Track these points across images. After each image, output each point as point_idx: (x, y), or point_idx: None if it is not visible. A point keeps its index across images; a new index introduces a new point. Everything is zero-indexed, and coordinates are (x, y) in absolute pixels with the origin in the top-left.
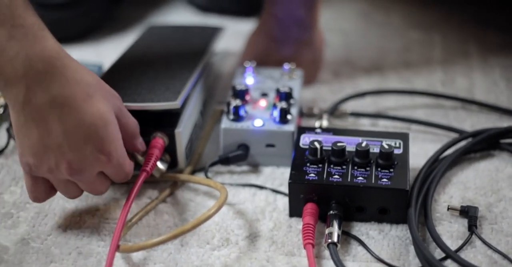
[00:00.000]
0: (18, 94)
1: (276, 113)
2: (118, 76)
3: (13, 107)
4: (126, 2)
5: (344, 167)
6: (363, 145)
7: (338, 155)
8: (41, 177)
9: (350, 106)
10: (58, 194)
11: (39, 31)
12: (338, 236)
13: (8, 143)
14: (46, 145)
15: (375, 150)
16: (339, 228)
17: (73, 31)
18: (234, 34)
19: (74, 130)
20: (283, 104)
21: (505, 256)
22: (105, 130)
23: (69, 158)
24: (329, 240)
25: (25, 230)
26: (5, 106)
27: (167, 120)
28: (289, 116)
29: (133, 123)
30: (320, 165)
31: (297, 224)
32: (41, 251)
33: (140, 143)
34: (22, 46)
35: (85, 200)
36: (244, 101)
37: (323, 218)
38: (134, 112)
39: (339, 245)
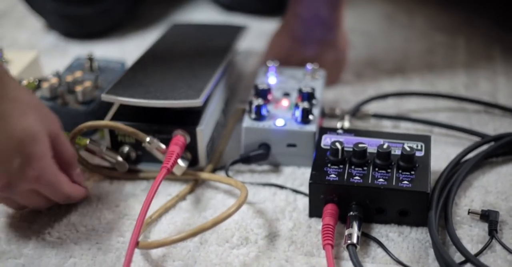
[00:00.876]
0: None
1: (298, 113)
2: (141, 73)
3: None
4: (150, 0)
5: (365, 168)
6: (385, 146)
7: (359, 156)
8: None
9: (372, 107)
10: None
11: None
12: (358, 237)
13: None
14: None
15: (397, 152)
16: (359, 229)
17: (97, 28)
18: (257, 33)
19: (3, 143)
20: (305, 104)
21: None
22: (33, 147)
23: None
24: (349, 241)
25: (45, 224)
26: None
27: (189, 118)
28: (311, 117)
29: (69, 152)
30: (341, 166)
31: (317, 224)
32: (61, 246)
33: (76, 174)
34: None
35: (106, 196)
36: (266, 101)
37: (343, 219)
38: (156, 110)
39: (358, 247)
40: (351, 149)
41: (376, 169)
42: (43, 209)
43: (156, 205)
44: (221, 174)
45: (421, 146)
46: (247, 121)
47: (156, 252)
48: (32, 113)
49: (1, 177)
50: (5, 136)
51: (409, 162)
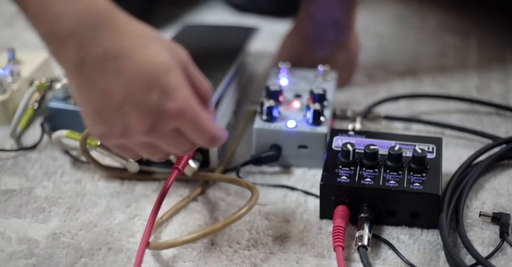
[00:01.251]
0: (71, 55)
1: (309, 115)
2: None
3: (69, 72)
4: (162, 0)
5: (376, 170)
6: (396, 148)
7: (370, 158)
8: (121, 144)
9: (384, 109)
10: (88, 190)
11: None
12: (369, 239)
13: (42, 138)
14: (109, 106)
15: (408, 154)
16: (370, 231)
17: None
18: (269, 34)
19: (133, 82)
20: (317, 106)
21: None
22: (168, 77)
23: (136, 113)
24: (359, 243)
25: (56, 224)
26: (40, 101)
27: None
28: (322, 118)
29: (204, 83)
30: (352, 168)
31: (328, 226)
32: (72, 246)
33: (211, 111)
34: (67, 2)
35: (117, 196)
36: (278, 102)
37: (354, 221)
38: None
39: (369, 249)
40: (362, 151)
41: (387, 171)
42: (186, 153)
43: (167, 205)
44: (232, 175)
45: (433, 148)
46: (259, 123)
47: (166, 253)
48: (156, 44)
49: (143, 118)
50: (132, 74)
51: (420, 164)
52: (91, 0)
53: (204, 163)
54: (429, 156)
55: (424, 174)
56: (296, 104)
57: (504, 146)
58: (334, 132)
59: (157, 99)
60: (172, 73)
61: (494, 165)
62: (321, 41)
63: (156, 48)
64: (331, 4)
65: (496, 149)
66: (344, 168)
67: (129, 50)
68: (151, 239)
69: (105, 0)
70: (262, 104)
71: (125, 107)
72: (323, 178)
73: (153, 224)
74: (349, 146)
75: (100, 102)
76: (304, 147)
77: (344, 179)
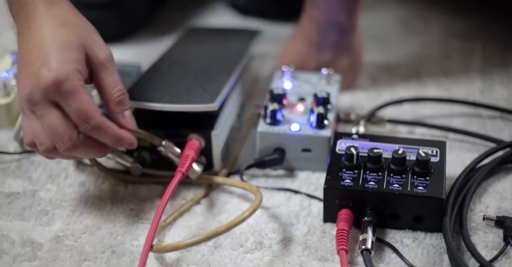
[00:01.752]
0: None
1: (313, 118)
2: (157, 77)
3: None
4: (167, 4)
5: (380, 173)
6: (400, 152)
7: (374, 161)
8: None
9: (388, 113)
10: (91, 193)
11: None
12: (372, 242)
13: None
14: (19, 65)
15: (412, 157)
16: (373, 234)
17: (113, 32)
18: (273, 38)
19: (31, 49)
20: (320, 109)
21: None
22: (53, 51)
23: (24, 76)
24: (363, 247)
25: (60, 227)
26: None
27: (204, 122)
28: (326, 122)
29: (110, 79)
30: (356, 171)
31: (331, 229)
32: (75, 249)
33: (122, 114)
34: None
35: (121, 199)
36: (281, 106)
37: (358, 224)
38: (171, 114)
39: (372, 252)
40: (366, 154)
41: (391, 175)
42: (64, 148)
43: (171, 208)
44: (235, 178)
45: (436, 152)
46: (262, 126)
47: (170, 256)
48: (66, 27)
49: (27, 80)
50: (37, 44)
51: (424, 167)
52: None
53: (208, 166)
54: (432, 159)
55: (427, 178)
56: (300, 107)
57: (507, 149)
58: (337, 135)
59: (39, 66)
60: (65, 51)
61: (498, 168)
62: (325, 44)
63: (71, 32)
64: (333, 7)
65: (500, 153)
66: (347, 171)
67: (43, 24)
68: (154, 242)
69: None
70: (266, 108)
71: (23, 69)
72: (326, 181)
73: (157, 227)
74: (352, 149)
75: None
76: (308, 150)
77: (348, 182)
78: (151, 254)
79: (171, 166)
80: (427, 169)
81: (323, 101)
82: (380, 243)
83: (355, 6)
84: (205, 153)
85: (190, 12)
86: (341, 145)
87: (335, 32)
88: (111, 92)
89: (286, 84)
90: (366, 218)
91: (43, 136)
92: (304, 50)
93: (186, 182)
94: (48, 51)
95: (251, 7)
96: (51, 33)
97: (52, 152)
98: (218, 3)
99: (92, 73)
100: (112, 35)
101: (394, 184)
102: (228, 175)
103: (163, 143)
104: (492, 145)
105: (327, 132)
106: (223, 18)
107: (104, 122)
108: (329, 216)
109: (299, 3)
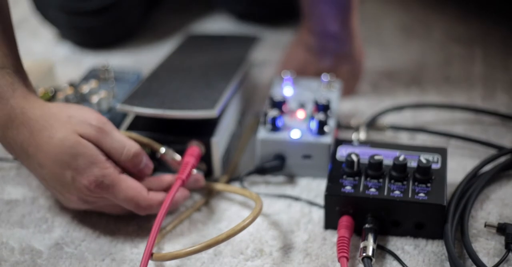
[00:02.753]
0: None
1: (313, 124)
2: (156, 84)
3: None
4: (165, 10)
5: (381, 180)
6: (401, 158)
7: (375, 168)
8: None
9: (389, 119)
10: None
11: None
12: (373, 250)
13: None
14: (47, 184)
15: (413, 164)
16: (374, 242)
17: (109, 38)
18: (272, 44)
19: (51, 169)
20: (321, 116)
21: None
22: (76, 159)
23: (64, 190)
24: (364, 254)
25: (60, 235)
26: None
27: (204, 129)
28: (326, 128)
29: (122, 149)
30: (357, 178)
31: (332, 236)
32: (75, 256)
33: (142, 168)
34: None
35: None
36: (282, 112)
37: (358, 231)
38: (171, 120)
39: (373, 259)
40: (366, 161)
41: (392, 181)
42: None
43: (171, 216)
44: (236, 185)
45: (438, 158)
46: (262, 133)
47: (170, 264)
48: (62, 129)
49: (70, 194)
50: (49, 162)
51: (425, 174)
52: (6, 105)
53: (208, 173)
54: (434, 166)
55: (429, 184)
56: (300, 114)
57: (509, 155)
58: (338, 142)
59: (71, 179)
60: (77, 154)
61: (499, 175)
62: (325, 53)
63: (62, 133)
64: (326, 18)
65: (502, 159)
66: (348, 178)
67: (39, 144)
68: (154, 250)
69: (21, 99)
70: (266, 114)
71: (57, 188)
72: (327, 188)
73: (157, 235)
74: (353, 156)
75: (40, 180)
76: (308, 156)
77: (349, 189)
78: (151, 262)
79: (170, 172)
80: (428, 176)
81: (323, 107)
82: (381, 250)
83: (347, 17)
84: (205, 160)
85: (188, 18)
86: (342, 152)
87: (333, 42)
88: (120, 158)
89: (287, 90)
90: (367, 225)
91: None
92: (304, 58)
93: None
94: (66, 163)
95: (248, 12)
96: (50, 146)
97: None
98: (216, 8)
99: (97, 145)
100: (108, 42)
101: (395, 190)
102: (228, 181)
103: (163, 149)
104: (493, 151)
105: (327, 139)
106: (222, 24)
107: (152, 200)
108: (330, 223)
109: (296, 8)
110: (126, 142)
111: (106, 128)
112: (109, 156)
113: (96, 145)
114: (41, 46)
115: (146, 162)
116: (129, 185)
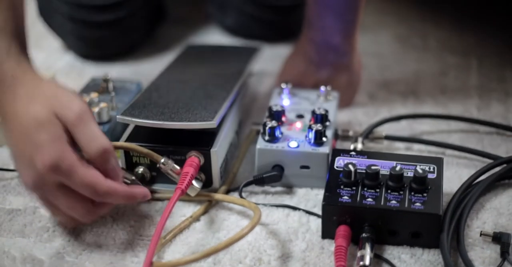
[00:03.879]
0: None
1: (311, 135)
2: (156, 94)
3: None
4: (166, 23)
5: (378, 190)
6: (397, 168)
7: (372, 178)
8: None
9: (385, 129)
10: None
11: None
12: (370, 259)
13: None
14: (14, 156)
15: (409, 174)
16: (371, 251)
17: (114, 50)
18: (271, 55)
19: (18, 139)
20: (319, 126)
21: None
22: (37, 133)
23: (24, 167)
24: (361, 263)
25: (61, 244)
26: None
27: (203, 140)
28: (324, 139)
29: (93, 143)
30: (354, 188)
31: (330, 245)
32: (76, 265)
33: (111, 168)
34: None
35: (121, 216)
36: (280, 123)
37: (356, 241)
38: (171, 131)
39: None
40: (364, 171)
41: (389, 191)
42: (86, 218)
43: (170, 225)
44: (234, 195)
45: (434, 168)
46: (261, 143)
47: None
48: (40, 103)
49: (27, 171)
50: (17, 131)
51: (421, 184)
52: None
53: (207, 183)
54: (430, 176)
55: (425, 194)
56: (298, 124)
57: (504, 165)
58: (336, 152)
59: (29, 156)
60: (43, 130)
61: (495, 184)
62: (323, 63)
63: (39, 107)
64: (330, 30)
65: (497, 169)
66: (345, 188)
67: (15, 112)
68: (154, 259)
69: (14, 64)
70: (264, 125)
71: (17, 165)
72: (325, 198)
73: (157, 244)
74: (350, 166)
75: (10, 153)
76: (306, 167)
77: (346, 199)
78: None
79: (171, 183)
80: (425, 186)
81: (321, 118)
82: (378, 259)
83: (350, 30)
84: (204, 170)
85: (188, 30)
86: (339, 162)
87: (332, 53)
88: (88, 150)
89: (285, 101)
90: (364, 234)
91: (62, 213)
92: (303, 68)
93: (186, 199)
94: (29, 135)
95: (237, 28)
96: (23, 115)
97: (77, 221)
98: (214, 22)
99: (70, 131)
100: (112, 53)
101: (392, 200)
102: (227, 192)
103: (162, 160)
104: (489, 161)
105: (325, 149)
106: (221, 36)
107: (111, 187)
108: (328, 233)
109: (286, 26)
110: (100, 136)
111: (84, 117)
112: (80, 145)
113: (69, 131)
114: (43, 57)
115: (115, 165)
116: (86, 170)
